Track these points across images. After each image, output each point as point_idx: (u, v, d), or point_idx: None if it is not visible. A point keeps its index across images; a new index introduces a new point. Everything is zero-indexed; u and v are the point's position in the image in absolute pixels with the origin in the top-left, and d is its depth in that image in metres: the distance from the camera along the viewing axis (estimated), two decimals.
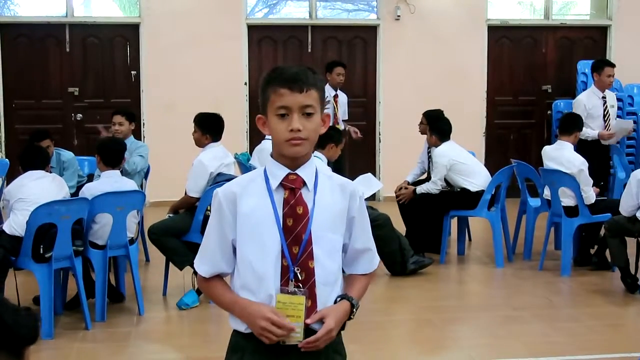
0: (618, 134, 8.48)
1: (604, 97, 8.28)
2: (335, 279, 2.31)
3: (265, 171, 2.31)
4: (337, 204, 2.31)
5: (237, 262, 2.30)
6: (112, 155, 5.82)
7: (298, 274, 2.23)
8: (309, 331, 2.24)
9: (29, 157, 5.63)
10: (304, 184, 2.27)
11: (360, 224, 2.37)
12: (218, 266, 2.33)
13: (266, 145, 6.48)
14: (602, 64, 8.37)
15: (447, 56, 10.50)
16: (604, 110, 8.25)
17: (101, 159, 5.82)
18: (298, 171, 2.27)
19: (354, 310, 2.32)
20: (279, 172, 2.27)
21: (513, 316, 5.72)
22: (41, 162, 5.64)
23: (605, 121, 8.25)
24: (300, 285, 2.23)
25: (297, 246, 2.23)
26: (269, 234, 2.24)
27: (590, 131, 8.08)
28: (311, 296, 2.24)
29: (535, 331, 5.37)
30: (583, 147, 8.14)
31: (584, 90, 10.26)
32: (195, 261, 2.39)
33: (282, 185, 2.26)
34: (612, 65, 8.40)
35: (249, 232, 2.25)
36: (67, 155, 6.91)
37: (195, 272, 5.78)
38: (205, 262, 2.35)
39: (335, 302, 2.30)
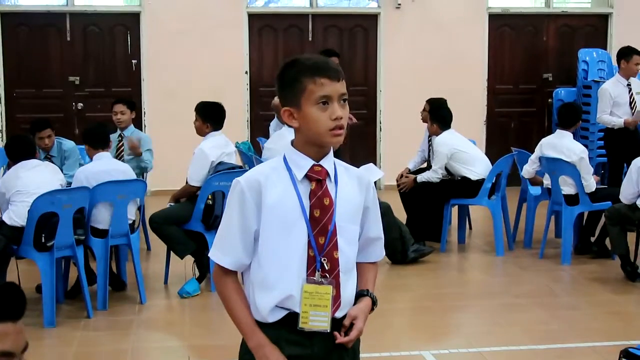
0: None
1: (629, 85, 8.15)
2: (353, 267, 2.36)
3: (285, 161, 2.29)
4: (356, 196, 2.34)
5: (259, 254, 2.27)
6: (97, 138, 5.87)
7: (325, 264, 2.25)
8: (334, 320, 2.29)
9: (16, 148, 5.61)
10: (328, 175, 2.29)
11: (374, 213, 2.41)
12: (239, 257, 2.29)
13: (286, 132, 6.44)
14: (630, 52, 8.15)
15: (447, 44, 10.47)
16: (630, 98, 8.10)
17: (89, 146, 5.86)
18: (322, 162, 2.28)
19: (374, 306, 2.41)
20: (304, 162, 2.26)
21: (513, 304, 5.74)
22: (29, 150, 5.63)
23: (632, 108, 8.09)
24: (327, 275, 2.25)
25: (324, 237, 2.25)
26: (296, 225, 2.24)
27: (616, 119, 8.02)
28: (336, 285, 2.27)
29: (535, 319, 5.39)
30: (612, 136, 8.12)
31: (584, 78, 10.28)
32: (212, 253, 2.34)
33: (306, 176, 2.26)
34: (639, 54, 8.23)
35: (276, 222, 2.24)
36: (68, 144, 6.92)
37: (195, 261, 5.92)
38: (226, 253, 2.29)
39: (356, 298, 2.36)
